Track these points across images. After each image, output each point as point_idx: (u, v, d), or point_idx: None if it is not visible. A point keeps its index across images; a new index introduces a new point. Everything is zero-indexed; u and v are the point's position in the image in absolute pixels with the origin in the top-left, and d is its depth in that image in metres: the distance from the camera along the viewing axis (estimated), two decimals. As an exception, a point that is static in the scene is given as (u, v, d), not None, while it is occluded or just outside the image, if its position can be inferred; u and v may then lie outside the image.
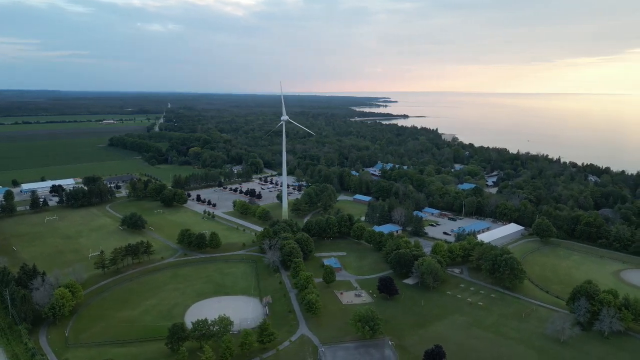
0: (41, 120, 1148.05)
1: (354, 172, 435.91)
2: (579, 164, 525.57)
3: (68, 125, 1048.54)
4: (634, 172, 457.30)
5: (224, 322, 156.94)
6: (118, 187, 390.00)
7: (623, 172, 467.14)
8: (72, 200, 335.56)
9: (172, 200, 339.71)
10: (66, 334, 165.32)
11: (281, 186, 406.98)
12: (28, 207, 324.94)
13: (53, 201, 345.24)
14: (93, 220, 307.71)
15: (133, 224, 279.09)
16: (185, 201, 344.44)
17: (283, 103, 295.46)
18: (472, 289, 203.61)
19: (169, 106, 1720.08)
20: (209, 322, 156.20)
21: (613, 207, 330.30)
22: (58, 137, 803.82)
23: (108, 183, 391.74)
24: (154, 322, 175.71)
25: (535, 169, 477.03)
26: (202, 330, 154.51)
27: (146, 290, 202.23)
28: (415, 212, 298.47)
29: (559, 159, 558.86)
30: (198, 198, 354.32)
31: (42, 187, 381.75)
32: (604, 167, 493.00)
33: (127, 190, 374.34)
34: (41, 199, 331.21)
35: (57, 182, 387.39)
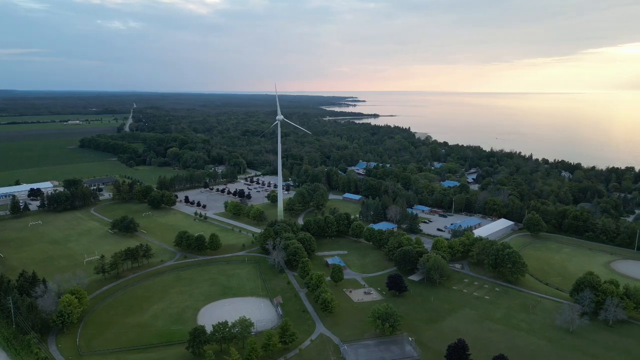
0: (1, 121, 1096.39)
1: (340, 172, 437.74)
2: (551, 160, 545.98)
3: (31, 127, 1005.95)
4: (604, 168, 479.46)
5: (245, 324, 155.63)
6: (100, 190, 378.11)
7: (594, 167, 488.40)
8: (54, 204, 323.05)
9: (160, 202, 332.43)
10: (77, 342, 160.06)
11: (268, 186, 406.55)
12: (8, 212, 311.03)
13: (33, 205, 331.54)
14: (79, 225, 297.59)
15: (125, 227, 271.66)
16: (174, 203, 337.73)
17: (278, 103, 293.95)
18: (476, 283, 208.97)
19: (135, 106, 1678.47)
20: (229, 324, 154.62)
21: (591, 202, 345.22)
22: (23, 139, 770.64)
23: (88, 185, 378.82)
24: (166, 326, 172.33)
25: (512, 166, 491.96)
26: (223, 332, 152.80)
27: (151, 295, 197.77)
28: (408, 210, 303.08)
29: (531, 156, 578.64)
30: (186, 200, 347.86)
31: (20, 190, 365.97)
32: (574, 163, 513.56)
33: (111, 193, 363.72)
34: (21, 204, 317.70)
35: (35, 186, 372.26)
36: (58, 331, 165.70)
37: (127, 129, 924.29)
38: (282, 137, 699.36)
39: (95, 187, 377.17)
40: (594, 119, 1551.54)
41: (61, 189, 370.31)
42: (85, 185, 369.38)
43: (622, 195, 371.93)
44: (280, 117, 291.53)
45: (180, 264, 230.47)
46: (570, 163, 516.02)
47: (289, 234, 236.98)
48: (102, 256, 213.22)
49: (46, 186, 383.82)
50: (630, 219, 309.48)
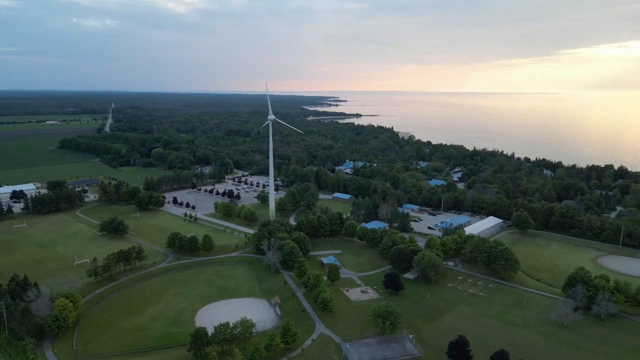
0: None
1: (328, 171, 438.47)
2: (532, 159, 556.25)
3: (8, 127, 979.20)
4: (584, 166, 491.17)
5: (246, 325, 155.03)
6: (85, 191, 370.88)
7: (574, 166, 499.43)
8: (38, 206, 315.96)
9: (149, 203, 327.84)
10: (74, 346, 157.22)
11: (257, 186, 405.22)
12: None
13: (16, 207, 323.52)
14: (65, 227, 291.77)
15: (114, 229, 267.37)
16: (163, 204, 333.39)
17: (269, 103, 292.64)
18: (469, 280, 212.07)
19: (113, 106, 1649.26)
20: (231, 325, 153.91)
21: (574, 199, 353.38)
22: (1, 140, 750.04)
23: (72, 187, 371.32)
24: (164, 329, 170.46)
25: (496, 165, 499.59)
26: (225, 334, 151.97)
27: (147, 297, 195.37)
28: (398, 209, 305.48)
29: (513, 155, 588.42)
30: (175, 201, 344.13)
31: (2, 193, 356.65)
32: (556, 162, 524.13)
33: (96, 195, 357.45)
34: (4, 206, 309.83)
35: (17, 188, 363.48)
36: (53, 336, 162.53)
37: (107, 129, 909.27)
38: (265, 137, 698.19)
39: (80, 189, 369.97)
40: (570, 118, 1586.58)
41: (44, 190, 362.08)
42: (69, 186, 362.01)
43: (604, 192, 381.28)
44: (271, 116, 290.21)
45: (173, 266, 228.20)
46: (552, 161, 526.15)
47: (283, 234, 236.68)
48: (95, 259, 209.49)
49: (29, 188, 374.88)
50: (613, 215, 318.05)
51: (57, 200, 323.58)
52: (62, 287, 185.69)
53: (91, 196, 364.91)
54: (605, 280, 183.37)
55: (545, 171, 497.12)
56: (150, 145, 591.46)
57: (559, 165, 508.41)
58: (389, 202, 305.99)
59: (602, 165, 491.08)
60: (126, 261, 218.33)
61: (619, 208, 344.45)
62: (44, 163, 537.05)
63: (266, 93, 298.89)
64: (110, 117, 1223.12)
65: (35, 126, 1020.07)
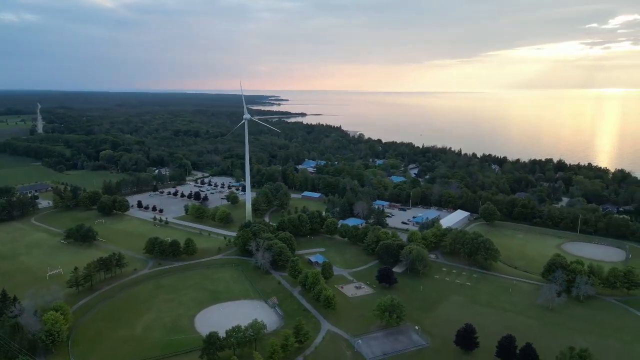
0: None
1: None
2: (479, 155, 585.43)
3: None
4: (527, 160, 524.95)
5: (257, 327, 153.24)
6: (36, 198, 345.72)
7: (518, 160, 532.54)
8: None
9: (112, 208, 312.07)
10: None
11: (222, 187, 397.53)
12: None
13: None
14: (23, 236, 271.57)
15: (82, 236, 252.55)
16: (127, 208, 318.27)
17: (244, 102, 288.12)
18: (454, 271, 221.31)
19: (40, 106, 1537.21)
20: (242, 328, 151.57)
21: (526, 191, 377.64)
22: None
23: (24, 193, 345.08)
24: (163, 337, 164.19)
25: (449, 161, 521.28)
26: (237, 337, 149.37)
27: (135, 305, 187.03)
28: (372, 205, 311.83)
29: (460, 151, 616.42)
30: (139, 204, 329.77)
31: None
32: (501, 157, 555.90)
33: (50, 201, 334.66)
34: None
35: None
36: (46, 352, 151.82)
37: (40, 130, 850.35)
38: (219, 137, 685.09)
39: (30, 195, 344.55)
40: (504, 117, 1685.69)
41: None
42: (21, 193, 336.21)
43: (551, 184, 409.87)
44: (247, 116, 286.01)
45: (157, 272, 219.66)
46: (498, 157, 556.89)
47: (268, 234, 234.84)
48: (76, 268, 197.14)
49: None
50: (563, 204, 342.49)
51: (9, 208, 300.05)
52: (43, 299, 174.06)
53: (44, 202, 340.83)
54: (581, 264, 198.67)
55: (493, 166, 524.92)
56: (96, 147, 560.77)
57: (504, 160, 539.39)
58: (363, 199, 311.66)
59: (543, 159, 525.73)
60: (107, 269, 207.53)
61: (565, 198, 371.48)
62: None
63: (241, 93, 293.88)
64: (39, 118, 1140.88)
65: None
